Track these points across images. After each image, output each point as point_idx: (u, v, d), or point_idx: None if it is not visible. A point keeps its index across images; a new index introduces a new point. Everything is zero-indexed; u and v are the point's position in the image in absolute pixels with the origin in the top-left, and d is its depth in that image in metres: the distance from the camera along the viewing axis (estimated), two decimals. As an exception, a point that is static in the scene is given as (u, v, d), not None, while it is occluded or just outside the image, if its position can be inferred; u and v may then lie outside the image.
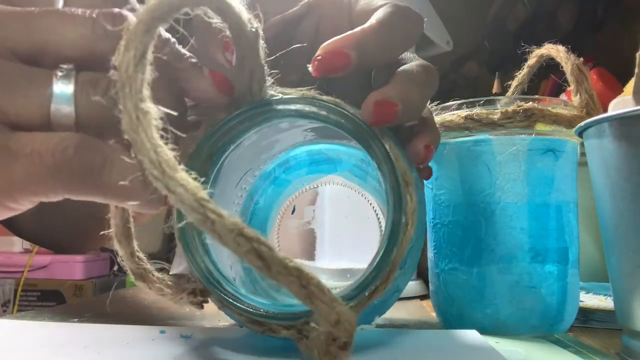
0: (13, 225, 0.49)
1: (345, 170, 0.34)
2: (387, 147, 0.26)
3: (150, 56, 0.21)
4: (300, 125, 0.30)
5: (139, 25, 0.21)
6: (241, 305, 0.26)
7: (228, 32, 0.25)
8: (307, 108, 0.27)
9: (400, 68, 0.29)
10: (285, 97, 0.27)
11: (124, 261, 0.27)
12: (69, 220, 0.46)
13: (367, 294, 0.25)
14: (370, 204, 0.35)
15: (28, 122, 0.22)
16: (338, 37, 0.28)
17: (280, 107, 0.27)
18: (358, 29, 0.28)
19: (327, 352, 0.21)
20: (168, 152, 0.20)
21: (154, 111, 0.21)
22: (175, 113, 0.22)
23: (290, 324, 0.25)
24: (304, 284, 0.19)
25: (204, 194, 0.19)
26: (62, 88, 0.22)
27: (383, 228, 0.34)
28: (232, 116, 0.27)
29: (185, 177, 0.20)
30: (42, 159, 0.21)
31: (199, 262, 0.26)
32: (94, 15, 0.23)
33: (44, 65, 0.23)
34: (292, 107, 0.27)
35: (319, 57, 0.27)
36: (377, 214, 0.35)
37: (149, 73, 0.21)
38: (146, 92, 0.21)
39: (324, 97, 0.27)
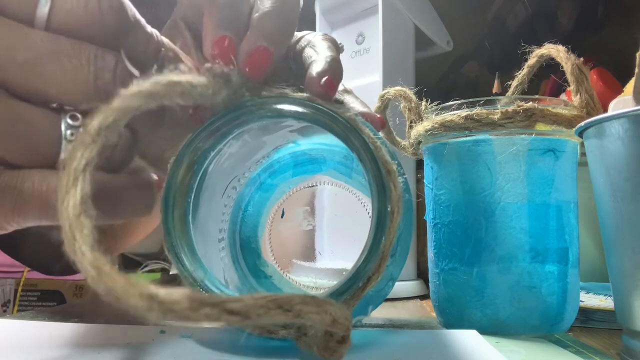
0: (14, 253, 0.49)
1: (330, 168, 0.34)
2: (365, 137, 0.26)
3: (93, 164, 0.21)
4: (281, 127, 0.30)
5: (84, 136, 0.21)
6: None
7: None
8: (282, 107, 0.27)
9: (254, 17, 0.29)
10: (259, 99, 0.27)
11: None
12: (44, 238, 0.46)
13: (360, 285, 0.25)
14: (359, 199, 0.35)
15: None
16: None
17: (254, 108, 0.27)
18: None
19: (326, 347, 0.21)
20: (107, 265, 0.20)
21: (90, 227, 0.20)
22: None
23: (287, 324, 0.25)
24: (287, 308, 0.19)
25: (149, 289, 0.19)
26: None
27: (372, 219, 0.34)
28: (208, 122, 0.27)
29: (128, 282, 0.19)
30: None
31: (189, 271, 0.26)
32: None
33: None
34: (267, 107, 0.27)
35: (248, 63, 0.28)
36: (366, 209, 0.35)
37: (88, 187, 0.21)
38: (84, 207, 0.21)
39: (297, 95, 0.27)
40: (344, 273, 0.37)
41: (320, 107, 0.27)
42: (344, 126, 0.27)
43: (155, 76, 0.23)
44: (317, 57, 0.30)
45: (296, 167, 0.34)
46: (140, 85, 0.22)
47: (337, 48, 0.31)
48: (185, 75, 0.24)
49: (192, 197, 0.27)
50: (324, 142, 0.32)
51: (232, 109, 0.27)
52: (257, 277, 0.33)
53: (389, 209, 0.25)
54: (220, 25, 0.28)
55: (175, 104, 0.24)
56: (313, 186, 0.35)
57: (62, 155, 0.22)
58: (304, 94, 0.27)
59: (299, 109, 0.27)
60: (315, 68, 0.29)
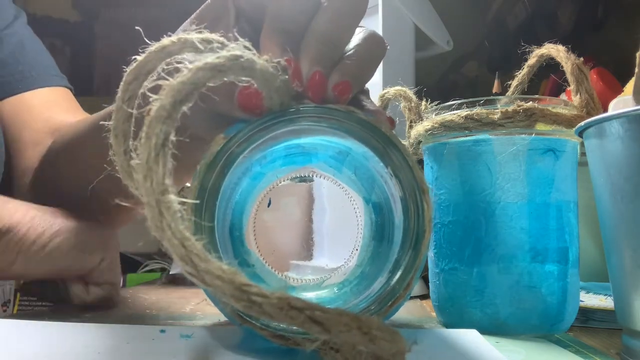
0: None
1: (320, 161, 0.34)
2: (405, 154, 0.27)
3: (172, 143, 0.21)
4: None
5: (160, 111, 0.21)
6: (263, 322, 0.26)
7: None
8: (323, 117, 0.27)
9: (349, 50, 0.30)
10: (301, 108, 0.27)
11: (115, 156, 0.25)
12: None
13: (391, 302, 0.26)
14: (347, 194, 0.35)
15: None
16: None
17: (295, 116, 0.27)
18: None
19: None
20: (196, 244, 0.20)
21: (176, 203, 0.20)
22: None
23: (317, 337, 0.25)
24: (365, 331, 0.19)
25: (242, 278, 0.19)
26: None
27: (359, 218, 0.34)
28: (247, 127, 0.27)
29: (218, 266, 0.19)
30: None
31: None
32: None
33: None
34: (308, 117, 0.27)
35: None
36: (353, 204, 0.35)
37: (170, 163, 0.21)
38: (168, 182, 0.21)
39: (338, 106, 0.28)
40: (326, 267, 0.38)
41: (360, 118, 0.27)
42: (383, 140, 0.27)
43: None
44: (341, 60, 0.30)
45: (286, 158, 0.33)
46: (206, 58, 0.23)
47: (374, 45, 0.31)
48: (247, 51, 0.24)
49: (219, 199, 0.27)
50: (322, 137, 0.32)
51: (275, 116, 0.27)
52: (241, 265, 0.33)
53: (424, 229, 0.26)
54: (314, 60, 0.28)
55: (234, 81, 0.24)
56: (300, 177, 0.35)
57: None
58: (344, 105, 0.28)
59: (340, 121, 0.27)
60: (337, 70, 0.29)
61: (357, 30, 0.31)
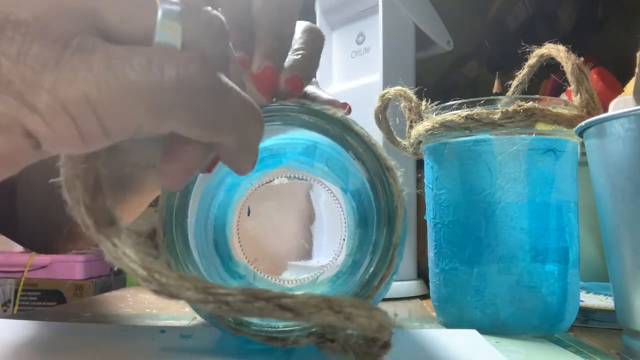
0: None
1: (290, 160, 0.34)
2: (362, 136, 0.27)
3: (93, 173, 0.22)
4: None
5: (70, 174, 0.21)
6: (255, 328, 0.26)
7: None
8: (276, 115, 0.28)
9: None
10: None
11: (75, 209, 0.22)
12: (42, 218, 0.46)
13: (376, 284, 0.26)
14: (324, 187, 0.35)
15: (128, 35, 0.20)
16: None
17: None
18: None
19: (367, 352, 0.22)
20: (155, 262, 0.20)
21: (125, 229, 0.21)
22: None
23: (310, 332, 0.25)
24: (337, 309, 0.20)
25: (204, 283, 0.19)
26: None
27: (343, 207, 0.34)
28: None
29: (180, 276, 0.20)
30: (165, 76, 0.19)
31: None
32: None
33: None
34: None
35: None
36: (331, 196, 0.35)
37: (109, 198, 0.21)
38: (113, 214, 0.21)
39: (288, 102, 0.28)
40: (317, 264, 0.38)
41: (313, 109, 0.27)
42: (339, 126, 0.27)
43: None
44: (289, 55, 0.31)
45: (257, 163, 0.34)
46: None
47: (316, 39, 0.32)
48: None
49: (189, 215, 0.27)
50: (287, 136, 0.32)
51: None
52: (233, 278, 0.33)
53: (395, 204, 0.26)
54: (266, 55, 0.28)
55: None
56: (272, 180, 0.35)
57: (156, 38, 0.20)
58: (295, 99, 0.28)
59: (290, 114, 0.28)
60: (289, 66, 0.29)
61: (297, 23, 0.32)
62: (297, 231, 0.37)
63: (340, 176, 0.34)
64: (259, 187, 0.34)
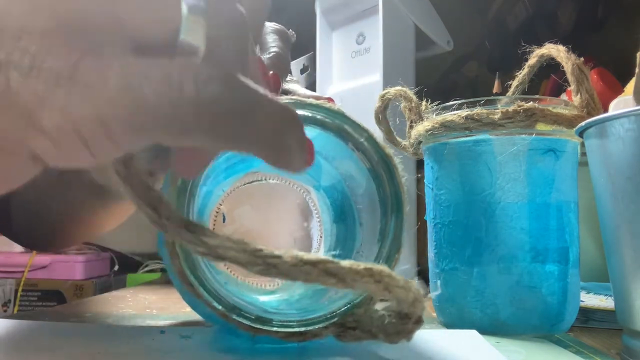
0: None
1: (261, 163, 0.34)
2: (361, 126, 0.28)
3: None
4: None
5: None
6: (277, 324, 0.26)
7: None
8: None
9: None
10: None
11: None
12: (38, 214, 0.45)
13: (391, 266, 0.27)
14: (296, 187, 0.35)
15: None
16: None
17: None
18: None
19: (400, 331, 0.22)
20: (200, 224, 0.20)
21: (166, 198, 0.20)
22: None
23: (329, 323, 0.26)
24: (378, 279, 0.20)
25: (252, 245, 0.19)
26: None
27: (317, 205, 0.35)
28: None
29: (227, 238, 0.20)
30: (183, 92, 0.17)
31: (220, 296, 0.26)
32: None
33: None
34: None
35: None
36: (304, 195, 0.35)
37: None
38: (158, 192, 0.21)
39: (286, 97, 0.29)
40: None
41: (307, 103, 0.28)
42: (338, 117, 0.28)
43: None
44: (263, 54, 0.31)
45: (228, 170, 0.33)
46: None
47: (286, 39, 0.32)
48: None
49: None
50: None
51: None
52: (220, 286, 0.34)
53: (400, 190, 0.27)
54: None
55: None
56: (248, 183, 0.35)
57: (181, 35, 0.19)
58: (291, 96, 0.29)
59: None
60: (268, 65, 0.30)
61: (268, 24, 0.32)
62: (276, 232, 0.37)
63: (312, 174, 0.34)
64: (230, 193, 0.34)
